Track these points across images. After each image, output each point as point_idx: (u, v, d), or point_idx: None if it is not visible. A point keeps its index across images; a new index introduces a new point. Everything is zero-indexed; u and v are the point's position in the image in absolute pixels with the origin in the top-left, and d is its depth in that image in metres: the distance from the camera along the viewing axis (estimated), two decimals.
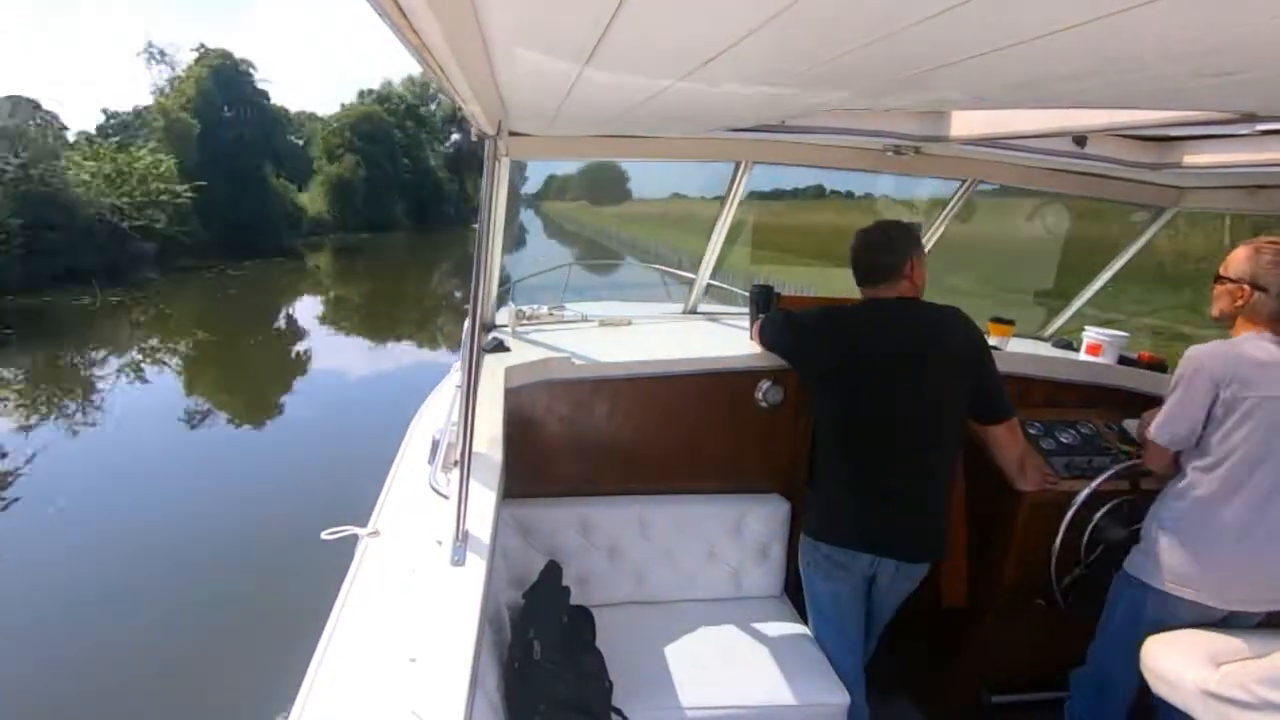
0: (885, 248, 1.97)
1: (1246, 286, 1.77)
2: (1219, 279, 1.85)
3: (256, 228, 27.14)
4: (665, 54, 0.93)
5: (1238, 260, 1.81)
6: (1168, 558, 1.84)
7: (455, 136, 45.82)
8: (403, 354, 13.99)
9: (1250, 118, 1.21)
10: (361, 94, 42.03)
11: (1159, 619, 1.87)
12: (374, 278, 25.24)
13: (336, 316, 18.10)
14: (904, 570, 1.95)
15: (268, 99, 32.55)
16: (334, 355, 13.38)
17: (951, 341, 1.93)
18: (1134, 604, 1.91)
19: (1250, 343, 1.76)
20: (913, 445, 1.91)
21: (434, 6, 0.64)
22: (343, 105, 39.35)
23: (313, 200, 34.55)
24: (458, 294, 22.48)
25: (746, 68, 0.98)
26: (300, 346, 14.07)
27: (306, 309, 18.90)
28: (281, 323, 16.82)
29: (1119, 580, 1.98)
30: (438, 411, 2.19)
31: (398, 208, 38.22)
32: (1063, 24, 0.65)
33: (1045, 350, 2.97)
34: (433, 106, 44.49)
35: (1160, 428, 1.86)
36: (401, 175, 38.94)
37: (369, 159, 36.53)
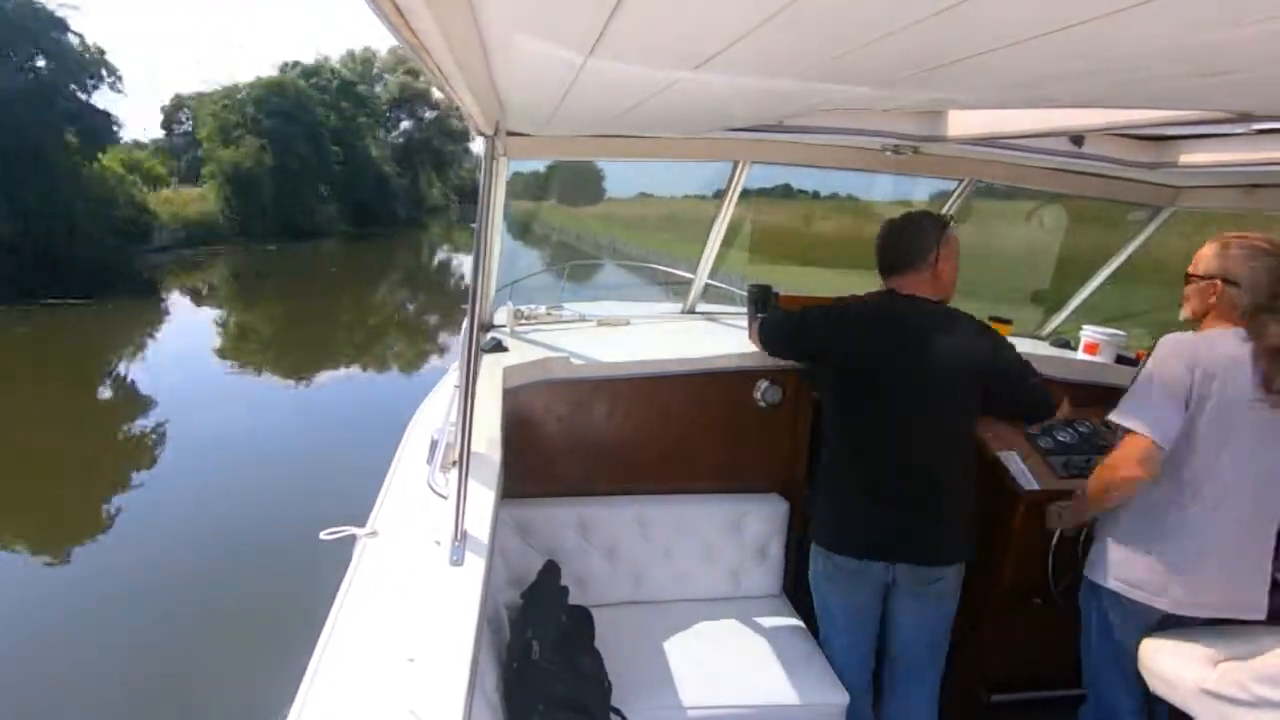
0: (914, 235, 1.90)
1: (1218, 282, 1.74)
2: (1189, 278, 1.81)
3: (56, 245, 16.99)
4: (665, 49, 0.93)
5: (1206, 257, 1.78)
6: (1120, 559, 1.81)
7: (405, 124, 37.35)
8: (337, 390, 10.65)
9: (1247, 117, 1.21)
10: (284, 66, 32.28)
11: (1125, 625, 1.83)
12: (292, 298, 18.50)
13: (237, 355, 13.22)
14: (920, 573, 1.90)
15: (66, 31, 19.30)
16: (219, 414, 9.17)
17: (958, 344, 1.88)
18: (1101, 614, 1.88)
19: (1222, 339, 1.72)
20: (920, 449, 1.89)
21: (431, 4, 0.64)
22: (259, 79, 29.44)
23: (201, 198, 25.46)
24: (410, 306, 18.52)
25: (745, 66, 0.98)
26: (146, 422, 9.31)
27: (171, 355, 12.91)
28: (108, 392, 11.06)
29: (1084, 592, 1.95)
30: (436, 412, 2.18)
31: (327, 209, 29.84)
32: (1061, 24, 0.65)
33: (1043, 349, 2.97)
34: (377, 88, 36.06)
35: (1138, 412, 1.69)
36: (330, 167, 30.14)
37: (281, 143, 27.19)
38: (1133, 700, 1.91)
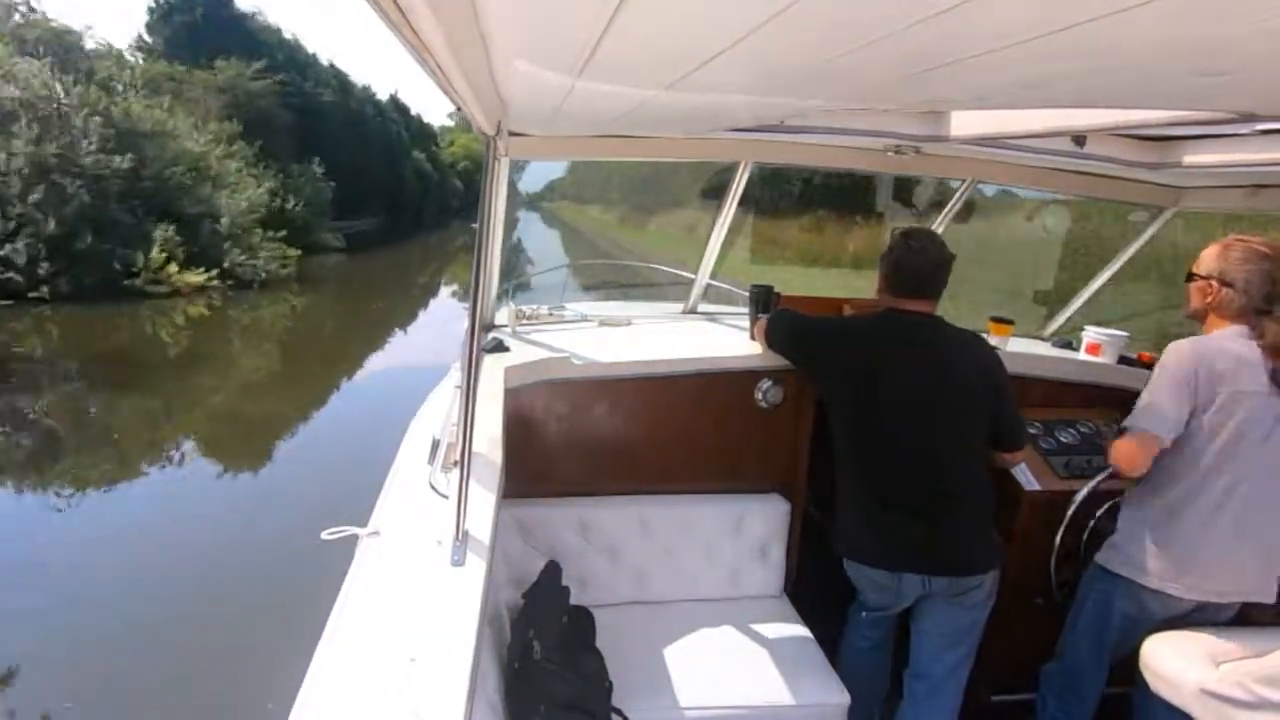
0: (945, 266, 1.92)
1: (1215, 282, 1.80)
2: (1190, 276, 1.87)
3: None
4: (665, 56, 0.93)
5: (1208, 258, 1.84)
6: (1136, 549, 1.87)
7: None
8: None
9: (1250, 117, 1.21)
10: None
11: (1128, 612, 1.90)
12: None
13: None
14: (960, 584, 1.90)
15: None
16: None
17: (973, 365, 1.92)
18: (1104, 596, 1.94)
19: (1228, 338, 1.78)
20: (946, 460, 1.90)
21: (433, 7, 0.64)
22: None
23: None
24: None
25: (745, 68, 0.98)
26: None
27: None
28: None
29: (1090, 573, 2.01)
30: (437, 411, 2.18)
31: None
32: (1063, 24, 0.65)
33: (1045, 350, 2.97)
34: None
35: (1144, 417, 1.80)
36: None
37: None
38: (1099, 674, 2.00)
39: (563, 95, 1.21)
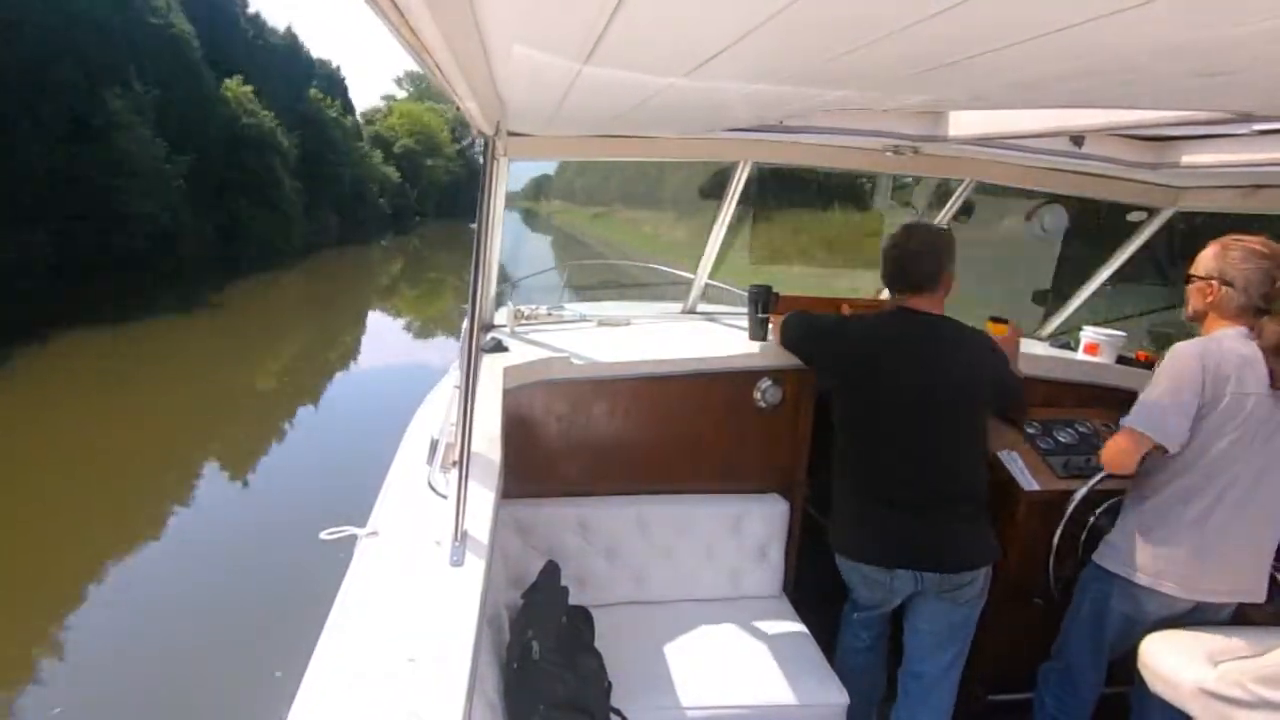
0: (930, 258, 1.94)
1: (1215, 282, 1.80)
2: (1189, 278, 1.87)
3: None
4: (664, 53, 0.93)
5: (1206, 258, 1.84)
6: (1133, 548, 1.87)
7: None
8: None
9: (1247, 117, 1.21)
10: None
11: (1125, 611, 1.90)
12: None
13: None
14: (952, 580, 1.90)
15: None
16: None
17: (974, 362, 1.94)
18: (1100, 595, 1.95)
19: (1232, 339, 1.78)
20: (947, 458, 1.91)
21: (431, 6, 0.64)
22: None
23: None
24: None
25: (745, 67, 0.98)
26: None
27: None
28: None
29: (1088, 572, 2.01)
30: (436, 411, 2.18)
31: None
32: (1062, 24, 0.65)
33: (1043, 350, 2.97)
34: None
35: (1142, 416, 1.78)
36: None
37: None
38: (1097, 673, 2.01)
39: (566, 86, 1.20)
